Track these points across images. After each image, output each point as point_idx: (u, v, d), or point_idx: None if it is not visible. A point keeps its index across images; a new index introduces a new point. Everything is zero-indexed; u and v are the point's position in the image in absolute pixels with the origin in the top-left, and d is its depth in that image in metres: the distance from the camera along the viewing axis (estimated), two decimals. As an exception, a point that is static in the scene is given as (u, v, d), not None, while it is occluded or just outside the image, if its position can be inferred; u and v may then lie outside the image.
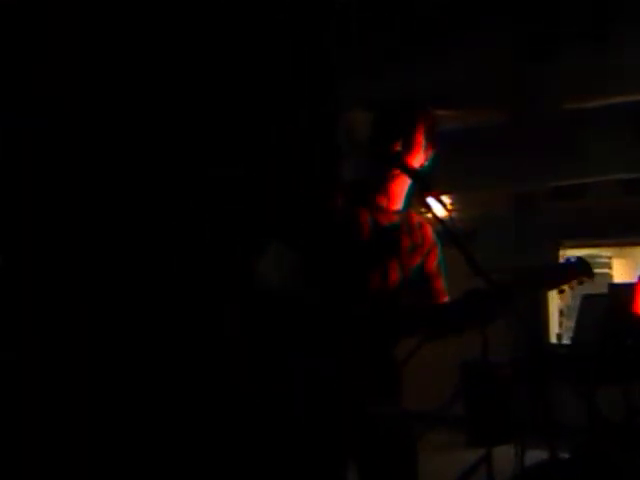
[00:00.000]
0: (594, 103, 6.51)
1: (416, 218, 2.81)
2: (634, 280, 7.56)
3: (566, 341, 7.09)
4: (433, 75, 5.91)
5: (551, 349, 5.72)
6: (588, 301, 5.10)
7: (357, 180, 2.78)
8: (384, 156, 2.65)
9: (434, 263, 2.78)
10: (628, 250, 8.53)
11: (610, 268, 8.44)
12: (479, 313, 2.58)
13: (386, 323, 2.56)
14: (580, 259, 2.70)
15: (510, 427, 6.66)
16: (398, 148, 2.64)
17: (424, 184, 2.59)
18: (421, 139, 2.67)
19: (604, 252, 8.26)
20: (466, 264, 2.53)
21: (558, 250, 6.69)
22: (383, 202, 2.72)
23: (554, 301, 7.86)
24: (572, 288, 2.69)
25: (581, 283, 2.70)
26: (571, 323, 7.58)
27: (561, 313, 7.71)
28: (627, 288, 5.03)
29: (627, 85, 6.05)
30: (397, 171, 2.65)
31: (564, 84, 6.27)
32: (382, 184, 2.72)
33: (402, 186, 2.73)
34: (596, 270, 8.16)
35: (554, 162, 6.83)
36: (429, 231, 2.82)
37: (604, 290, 8.01)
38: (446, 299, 2.77)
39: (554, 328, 7.63)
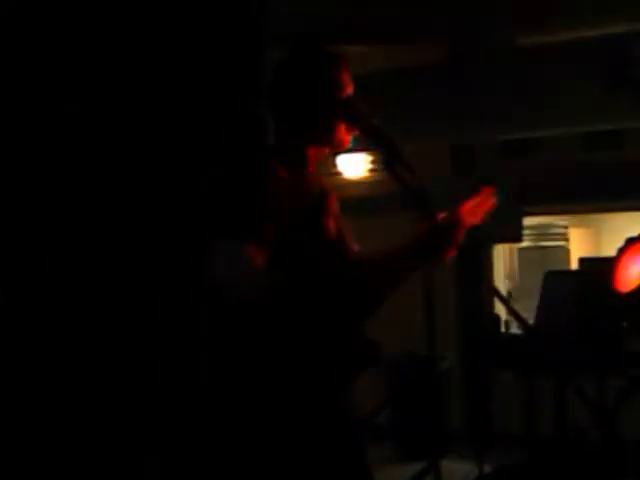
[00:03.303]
0: (555, 37, 6.26)
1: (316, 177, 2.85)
2: (608, 254, 7.42)
3: (515, 329, 6.88)
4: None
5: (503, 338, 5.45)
6: (554, 279, 4.79)
7: (285, 144, 2.78)
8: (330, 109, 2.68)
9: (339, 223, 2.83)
10: (588, 218, 8.33)
11: (567, 240, 8.22)
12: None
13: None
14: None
15: (447, 436, 6.61)
16: (347, 94, 2.69)
17: (395, 150, 2.59)
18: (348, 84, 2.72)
19: (559, 221, 7.99)
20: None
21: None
22: (313, 165, 2.76)
23: (500, 283, 7.58)
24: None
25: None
26: (521, 306, 7.39)
27: (509, 296, 7.49)
28: (602, 262, 4.74)
29: (600, 12, 5.78)
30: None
31: (517, 10, 6.02)
32: (320, 147, 2.75)
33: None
34: (551, 243, 8.05)
35: (502, 111, 6.51)
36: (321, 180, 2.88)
37: (560, 266, 7.89)
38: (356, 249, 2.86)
39: (502, 315, 7.39)
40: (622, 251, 4.28)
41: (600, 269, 4.50)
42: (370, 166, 7.48)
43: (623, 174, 6.80)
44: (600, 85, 5.96)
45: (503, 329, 7.06)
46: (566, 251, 8.16)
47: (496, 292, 2.26)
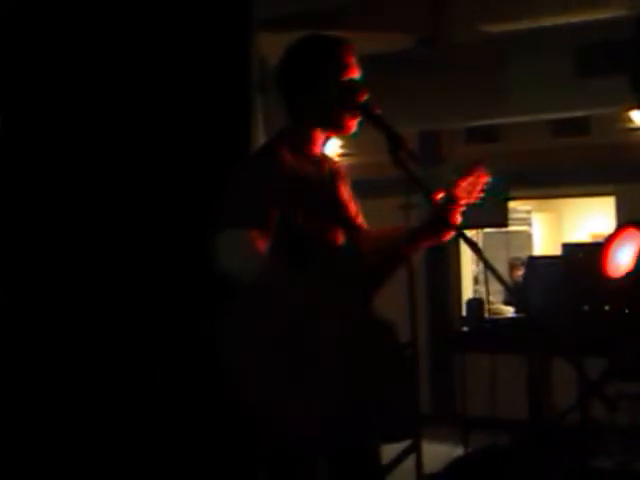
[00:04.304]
0: (524, 24, 6.41)
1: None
2: (570, 238, 7.59)
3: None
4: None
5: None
6: (535, 264, 4.89)
7: (291, 131, 2.81)
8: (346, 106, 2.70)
9: (347, 188, 2.91)
10: (550, 203, 8.47)
11: (530, 224, 8.34)
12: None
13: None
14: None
15: (417, 419, 6.70)
16: (365, 97, 2.69)
17: (398, 140, 2.61)
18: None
19: (522, 206, 8.08)
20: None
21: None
22: (316, 148, 2.81)
23: (467, 268, 7.73)
24: None
25: None
26: (484, 290, 7.51)
27: (475, 281, 7.60)
28: (585, 248, 4.86)
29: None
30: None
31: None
32: (325, 132, 2.79)
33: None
34: (514, 227, 8.18)
35: (471, 97, 6.59)
36: (332, 159, 2.95)
37: (524, 250, 8.04)
38: (362, 222, 2.93)
39: (468, 296, 7.49)
40: (612, 236, 4.38)
41: (584, 254, 4.59)
42: (340, 151, 7.53)
43: (589, 160, 6.94)
44: (568, 72, 6.08)
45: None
46: (529, 235, 8.31)
47: (493, 272, 2.27)
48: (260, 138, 4.16)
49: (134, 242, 3.88)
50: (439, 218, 2.69)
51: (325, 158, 2.87)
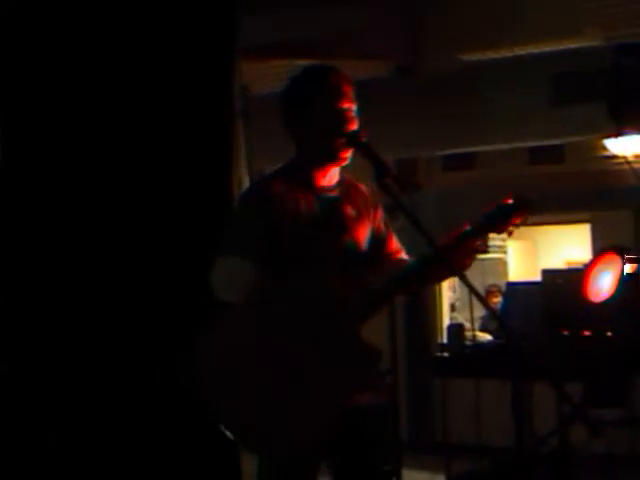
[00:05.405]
0: (501, 53, 6.48)
1: (349, 181, 2.94)
2: (544, 266, 7.61)
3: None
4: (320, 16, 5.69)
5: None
6: (514, 290, 4.94)
7: (292, 163, 2.90)
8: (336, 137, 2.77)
9: (382, 222, 2.96)
10: (525, 230, 8.50)
11: (505, 252, 8.41)
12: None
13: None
14: (516, 199, 2.75)
15: (397, 445, 6.69)
16: (354, 128, 2.77)
17: (384, 167, 2.69)
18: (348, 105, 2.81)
19: (497, 234, 8.06)
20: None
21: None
22: (322, 181, 2.85)
23: (444, 295, 7.73)
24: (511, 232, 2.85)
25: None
26: (463, 317, 7.54)
27: (452, 307, 7.62)
28: (564, 274, 4.92)
29: (545, 29, 5.98)
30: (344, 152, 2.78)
31: (463, 26, 6.19)
32: (322, 163, 2.84)
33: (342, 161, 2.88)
34: (489, 255, 8.20)
35: (448, 125, 6.66)
36: (366, 190, 2.96)
37: (499, 277, 8.10)
38: (403, 254, 2.96)
39: (445, 323, 7.53)
40: (593, 261, 4.42)
41: (563, 280, 4.64)
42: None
43: (564, 188, 7.00)
44: (544, 100, 6.16)
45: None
46: (504, 263, 8.36)
47: (479, 297, 2.28)
48: (242, 163, 4.23)
49: (129, 246, 3.93)
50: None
51: (337, 190, 2.88)
